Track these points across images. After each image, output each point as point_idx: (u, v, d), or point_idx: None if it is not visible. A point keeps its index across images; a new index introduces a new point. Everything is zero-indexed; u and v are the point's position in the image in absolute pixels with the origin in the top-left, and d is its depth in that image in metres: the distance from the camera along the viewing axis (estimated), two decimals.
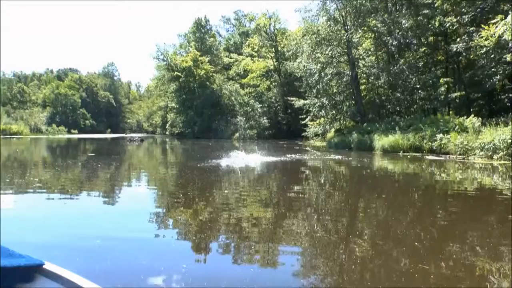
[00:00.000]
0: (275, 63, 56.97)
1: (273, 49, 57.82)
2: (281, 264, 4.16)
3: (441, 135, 18.25)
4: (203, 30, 68.75)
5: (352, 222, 6.11)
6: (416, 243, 4.76)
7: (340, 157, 18.59)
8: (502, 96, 24.02)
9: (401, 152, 19.56)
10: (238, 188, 9.46)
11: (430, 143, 18.72)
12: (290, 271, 3.99)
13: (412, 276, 3.71)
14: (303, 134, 38.86)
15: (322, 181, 11.19)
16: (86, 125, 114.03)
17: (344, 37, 28.49)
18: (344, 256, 4.35)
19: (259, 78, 56.98)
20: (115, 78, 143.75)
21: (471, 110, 25.75)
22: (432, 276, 3.67)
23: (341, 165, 16.03)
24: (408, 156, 18.04)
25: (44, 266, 2.14)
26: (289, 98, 41.95)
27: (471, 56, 24.32)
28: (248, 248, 4.65)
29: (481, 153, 15.43)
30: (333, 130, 33.30)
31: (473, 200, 8.01)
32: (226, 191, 8.79)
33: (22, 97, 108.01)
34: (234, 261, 4.26)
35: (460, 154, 16.62)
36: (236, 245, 4.79)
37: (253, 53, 62.16)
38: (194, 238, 5.07)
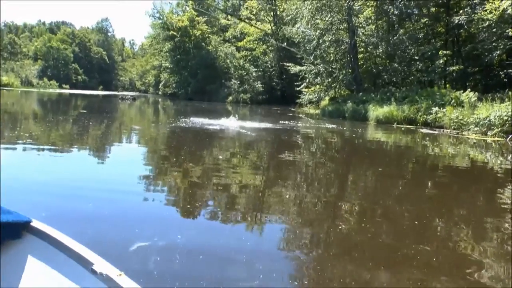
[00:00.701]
0: (273, 28, 55.99)
1: (272, 13, 56.70)
2: (278, 233, 4.09)
3: (436, 108, 18.14)
4: None
5: (344, 194, 6.04)
6: (405, 218, 4.70)
7: (334, 126, 18.46)
8: (500, 72, 23.84)
9: (395, 123, 19.46)
10: (232, 157, 9.36)
11: (425, 116, 18.62)
12: (284, 240, 3.93)
13: (399, 250, 3.66)
14: (297, 101, 38.56)
15: (318, 152, 11.11)
16: (78, 81, 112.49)
17: (345, 4, 27.93)
18: (332, 225, 4.29)
19: (256, 42, 56.07)
20: (109, 34, 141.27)
21: (467, 84, 25.62)
22: (420, 252, 3.60)
23: (336, 135, 15.88)
24: (402, 129, 17.95)
25: (31, 224, 2.11)
26: (285, 63, 41.40)
27: (472, 30, 24.03)
28: (245, 216, 4.56)
29: (475, 129, 15.36)
30: (327, 98, 33.05)
31: (466, 176, 7.98)
32: (220, 157, 8.67)
33: (13, 49, 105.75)
34: (231, 231, 4.16)
35: (454, 129, 16.56)
36: (234, 214, 4.70)
37: (251, 16, 60.93)
38: (188, 205, 4.96)
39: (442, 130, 17.04)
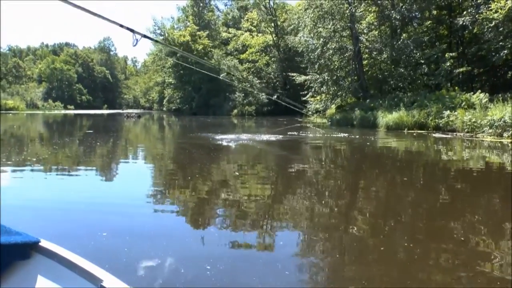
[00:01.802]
0: (274, 38, 56.02)
1: (272, 24, 56.77)
2: (285, 244, 3.95)
3: (448, 111, 17.81)
4: (201, 4, 67.51)
5: (378, 205, 5.73)
6: (422, 225, 4.39)
7: (346, 135, 17.92)
8: (508, 72, 23.50)
9: (405, 129, 19.13)
10: (250, 172, 9.06)
11: (436, 120, 18.30)
12: (292, 251, 3.78)
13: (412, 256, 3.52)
14: (304, 110, 38.33)
15: (338, 163, 10.79)
16: (82, 101, 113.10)
17: (347, 11, 27.82)
18: (351, 234, 4.06)
19: (258, 54, 56.06)
20: (111, 53, 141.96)
21: (473, 85, 25.33)
22: (433, 258, 3.47)
23: (351, 144, 15.25)
24: (414, 134, 17.60)
25: (40, 244, 2.15)
26: (289, 73, 41.32)
27: (475, 31, 23.76)
28: (259, 232, 4.27)
29: (490, 131, 15.01)
30: (334, 106, 32.79)
31: (494, 181, 7.66)
32: (236, 173, 8.32)
33: (18, 72, 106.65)
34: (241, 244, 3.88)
35: (467, 132, 16.21)
36: (248, 229, 4.41)
37: (252, 28, 61.03)
38: (199, 218, 4.77)
39: (455, 133, 16.71)
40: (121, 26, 3.18)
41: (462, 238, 4.06)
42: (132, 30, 3.14)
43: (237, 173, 8.19)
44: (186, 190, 6.50)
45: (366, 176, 8.48)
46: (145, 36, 3.32)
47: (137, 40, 3.11)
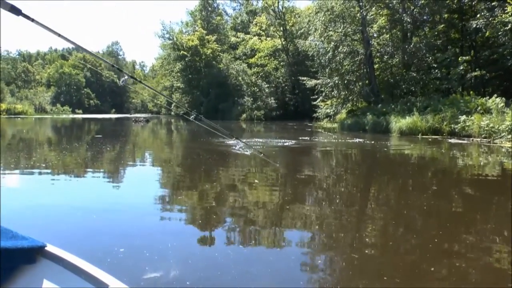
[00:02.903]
0: (283, 43, 55.86)
1: (281, 28, 56.65)
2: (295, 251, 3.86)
3: (464, 116, 17.43)
4: (209, 9, 67.58)
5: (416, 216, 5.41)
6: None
7: (361, 140, 17.50)
8: None
9: (419, 134, 18.75)
10: (268, 181, 8.76)
11: (451, 125, 17.93)
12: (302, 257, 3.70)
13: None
14: (314, 115, 38.03)
15: (365, 170, 10.45)
16: (90, 105, 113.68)
17: (358, 14, 27.57)
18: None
19: (267, 58, 55.94)
20: (119, 57, 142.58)
21: (485, 90, 24.92)
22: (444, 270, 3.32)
23: (370, 150, 14.67)
24: (429, 139, 17.17)
25: (46, 248, 2.15)
26: (300, 78, 41.11)
27: (487, 34, 23.41)
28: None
29: (508, 136, 14.63)
30: (344, 111, 32.48)
31: None
32: (256, 181, 7.92)
33: (27, 77, 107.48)
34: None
35: (485, 137, 15.82)
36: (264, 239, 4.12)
37: (261, 32, 60.94)
38: (206, 227, 4.56)
39: (471, 139, 16.32)
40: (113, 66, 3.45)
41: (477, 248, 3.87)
42: (120, 70, 3.35)
43: (257, 181, 7.87)
44: (196, 195, 6.36)
45: (392, 185, 8.16)
46: (131, 77, 3.55)
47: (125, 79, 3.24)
